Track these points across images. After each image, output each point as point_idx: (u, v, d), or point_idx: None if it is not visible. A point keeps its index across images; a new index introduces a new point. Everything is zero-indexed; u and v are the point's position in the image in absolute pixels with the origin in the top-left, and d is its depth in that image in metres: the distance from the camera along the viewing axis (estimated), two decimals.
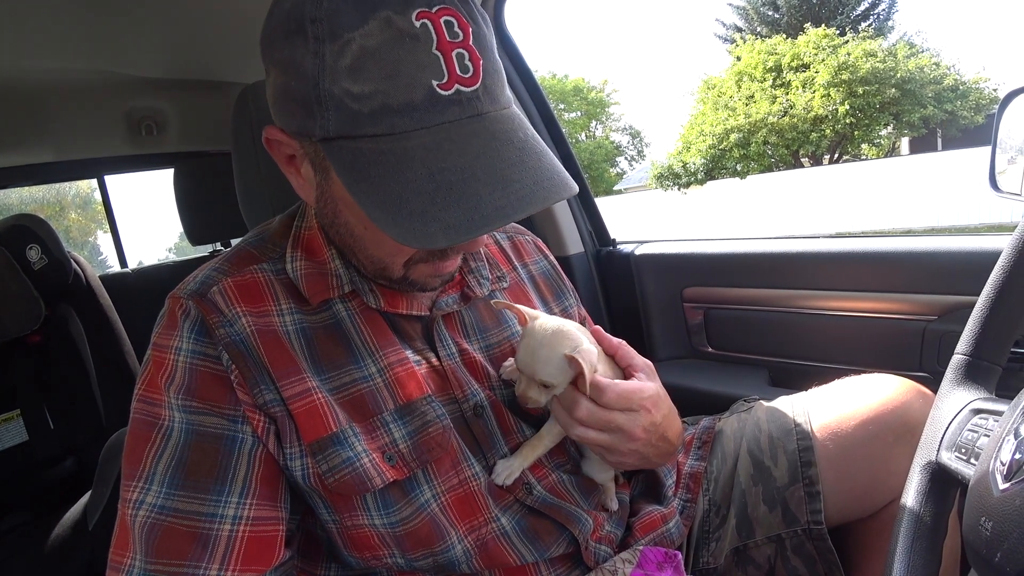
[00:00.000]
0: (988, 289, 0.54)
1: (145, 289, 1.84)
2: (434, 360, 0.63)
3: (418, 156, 0.46)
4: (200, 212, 1.69)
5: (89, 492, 1.12)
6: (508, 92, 0.53)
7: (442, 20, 0.46)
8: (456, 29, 0.46)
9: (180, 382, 0.54)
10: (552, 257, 0.85)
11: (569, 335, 0.61)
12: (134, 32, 1.16)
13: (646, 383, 0.65)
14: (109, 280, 1.70)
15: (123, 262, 2.24)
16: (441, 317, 0.65)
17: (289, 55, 0.47)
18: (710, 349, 1.28)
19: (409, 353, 0.62)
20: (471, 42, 0.47)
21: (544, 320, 0.62)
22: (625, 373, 0.67)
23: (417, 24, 0.45)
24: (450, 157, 0.46)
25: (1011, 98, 0.69)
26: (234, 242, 2.03)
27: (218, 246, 1.96)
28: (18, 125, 1.55)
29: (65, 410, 1.44)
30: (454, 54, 0.46)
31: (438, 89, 0.46)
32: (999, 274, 0.54)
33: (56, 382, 1.44)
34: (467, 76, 0.47)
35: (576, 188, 0.50)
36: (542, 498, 0.64)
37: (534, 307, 0.75)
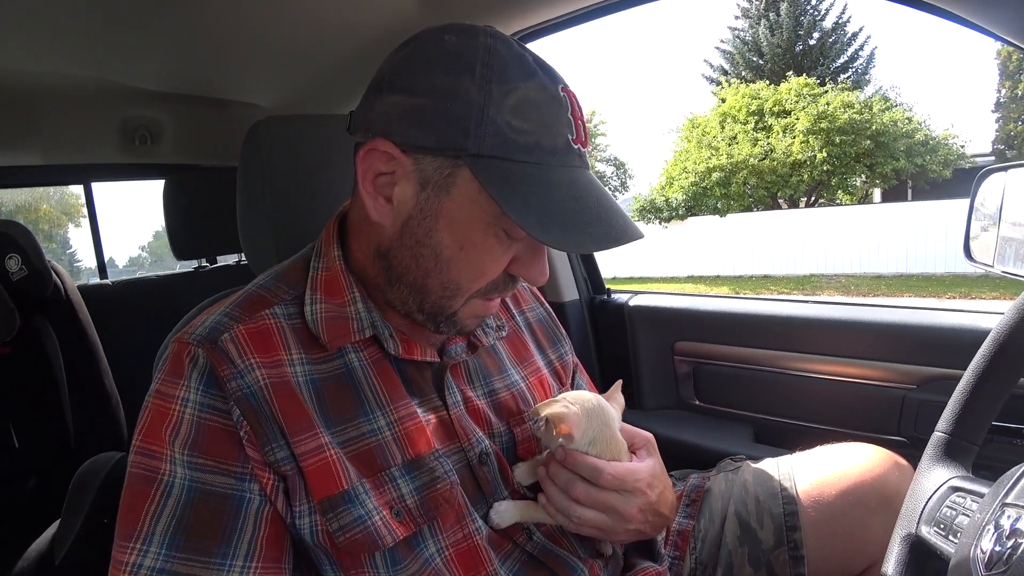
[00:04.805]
0: (969, 375, 0.59)
1: (124, 303, 1.79)
2: (441, 410, 0.63)
3: (563, 184, 0.56)
4: (188, 226, 1.65)
5: (55, 523, 1.07)
6: None
7: (574, 96, 0.59)
8: (577, 106, 0.59)
9: (186, 436, 0.52)
10: (547, 304, 0.86)
11: (599, 410, 0.65)
12: (139, 44, 1.15)
13: (641, 464, 0.66)
14: (87, 291, 1.65)
15: (103, 272, 2.17)
16: (450, 366, 0.66)
17: (452, 84, 0.55)
18: (697, 402, 1.30)
19: (417, 406, 0.62)
20: (584, 118, 0.61)
21: (601, 401, 0.67)
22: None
23: (562, 94, 0.57)
24: (585, 188, 0.58)
25: (986, 175, 0.73)
26: (220, 259, 1.99)
27: (203, 262, 1.92)
28: (8, 125, 1.50)
29: (32, 428, 1.36)
30: (579, 122, 0.59)
31: (572, 142, 0.58)
32: (980, 363, 0.59)
33: (24, 398, 1.37)
34: (583, 140, 0.60)
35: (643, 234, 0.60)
36: (541, 544, 0.64)
37: (531, 355, 0.77)
